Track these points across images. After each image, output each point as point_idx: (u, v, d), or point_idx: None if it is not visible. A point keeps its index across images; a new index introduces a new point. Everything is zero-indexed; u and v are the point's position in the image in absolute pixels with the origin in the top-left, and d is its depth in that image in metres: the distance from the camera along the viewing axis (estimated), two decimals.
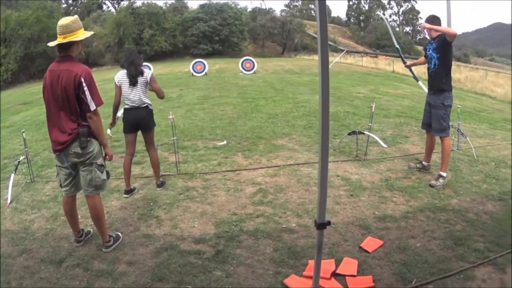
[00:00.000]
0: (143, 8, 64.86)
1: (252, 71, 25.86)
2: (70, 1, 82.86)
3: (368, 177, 5.89)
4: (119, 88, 5.25)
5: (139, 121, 5.32)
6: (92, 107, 3.69)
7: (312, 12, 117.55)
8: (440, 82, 5.69)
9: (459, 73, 31.87)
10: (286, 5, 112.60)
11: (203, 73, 25.63)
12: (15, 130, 10.45)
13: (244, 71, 25.80)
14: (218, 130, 8.88)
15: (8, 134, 10.09)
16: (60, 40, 3.65)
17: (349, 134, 7.14)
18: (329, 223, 2.79)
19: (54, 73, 3.69)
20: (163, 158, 6.90)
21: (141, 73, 5.24)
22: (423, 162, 6.26)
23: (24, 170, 6.41)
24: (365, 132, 6.85)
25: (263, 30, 75.87)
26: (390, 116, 10.48)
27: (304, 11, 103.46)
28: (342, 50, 36.48)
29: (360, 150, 6.97)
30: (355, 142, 7.09)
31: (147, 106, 5.31)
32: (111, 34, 58.05)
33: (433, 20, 5.70)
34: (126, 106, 5.29)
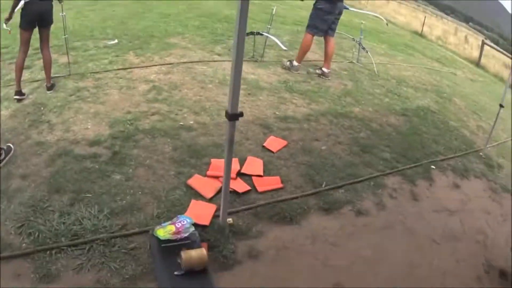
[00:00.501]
0: None
1: None
2: None
3: (265, 78, 5.87)
4: None
5: (41, 15, 4.79)
6: None
7: None
8: None
9: None
10: None
11: None
12: None
13: None
14: (109, 30, 8.16)
15: None
16: None
17: (247, 34, 6.96)
18: (241, 114, 2.67)
19: None
20: (53, 60, 6.25)
21: None
22: (323, 68, 6.43)
23: None
24: (264, 33, 6.74)
25: None
26: (286, 23, 10.43)
27: None
28: None
29: (256, 52, 6.88)
30: (253, 44, 6.95)
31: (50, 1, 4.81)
32: None
33: None
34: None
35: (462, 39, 23.64)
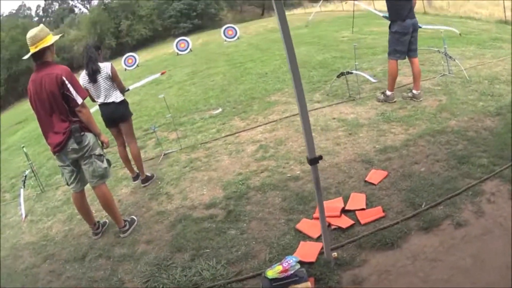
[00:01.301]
0: (114, 1, 63.84)
1: (236, 37, 25.50)
2: (40, 13, 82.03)
3: (364, 114, 5.89)
4: (85, 90, 4.93)
5: (110, 115, 5.16)
6: (79, 100, 3.79)
7: None
8: (389, 14, 6.10)
9: None
10: None
11: (188, 50, 25.36)
12: (16, 149, 10.53)
13: (227, 39, 25.44)
14: (212, 100, 8.86)
15: (9, 156, 10.19)
16: (32, 50, 3.76)
17: (338, 76, 7.09)
18: (320, 157, 2.83)
19: (36, 81, 3.79)
20: (163, 138, 6.93)
21: (98, 70, 4.96)
22: (413, 91, 6.28)
23: (32, 183, 6.49)
24: (353, 71, 6.81)
25: None
26: (377, 53, 10.40)
27: None
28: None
29: (352, 90, 6.93)
30: (346, 83, 7.04)
31: (113, 102, 5.09)
32: (89, 34, 57.42)
33: None
34: (98, 102, 5.16)
35: None
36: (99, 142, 4.08)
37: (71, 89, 3.75)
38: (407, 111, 5.75)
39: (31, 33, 3.77)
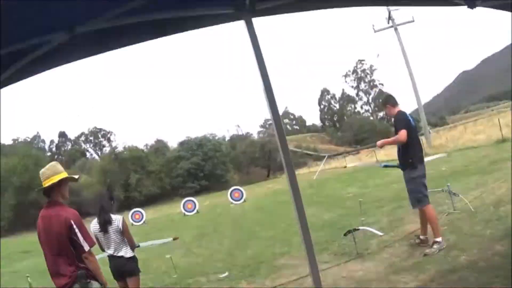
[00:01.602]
0: (125, 153, 66.61)
1: (242, 200, 26.22)
2: (54, 149, 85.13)
3: (372, 269, 5.95)
4: (96, 238, 5.02)
5: (117, 268, 5.10)
6: (86, 247, 3.80)
7: (288, 126, 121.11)
8: (403, 159, 6.21)
9: (439, 138, 32.75)
10: (262, 125, 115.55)
11: (195, 211, 25.91)
12: (20, 277, 10.34)
13: (234, 202, 26.12)
14: (219, 263, 8.92)
15: (13, 280, 10.17)
16: (43, 185, 3.91)
17: (345, 234, 7.27)
18: None
19: (45, 219, 3.88)
20: None
21: (110, 221, 5.04)
22: (421, 237, 6.38)
23: None
24: (359, 228, 7.07)
25: (245, 157, 77.34)
26: (383, 205, 10.78)
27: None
28: (324, 157, 37.87)
29: (360, 247, 7.05)
30: (353, 241, 7.15)
31: (122, 256, 5.09)
32: (98, 182, 58.67)
33: (387, 99, 6.53)
34: (107, 253, 5.17)
35: None
36: None
37: (79, 234, 3.77)
38: (415, 258, 5.81)
39: (42, 170, 3.96)
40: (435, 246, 5.82)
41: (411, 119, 6.30)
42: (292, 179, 2.81)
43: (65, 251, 3.83)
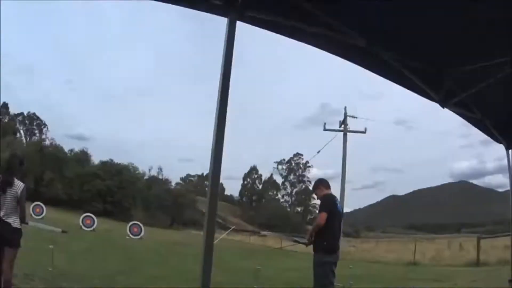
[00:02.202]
0: (50, 149, 64.36)
1: (139, 237, 25.93)
2: None
3: None
4: None
5: (0, 233, 4.88)
6: None
7: (207, 189, 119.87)
8: (316, 239, 5.87)
9: (351, 246, 33.04)
10: (182, 179, 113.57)
11: (92, 228, 25.37)
12: None
13: (131, 236, 25.77)
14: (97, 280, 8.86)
15: None
16: None
17: None
18: None
19: None
20: None
21: (11, 183, 4.91)
22: None
23: None
24: None
25: (157, 200, 76.31)
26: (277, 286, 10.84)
27: (199, 187, 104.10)
28: (229, 228, 37.82)
29: None
30: None
31: (10, 224, 4.92)
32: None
33: (321, 180, 6.35)
34: None
35: (457, 249, 23.97)
36: None
37: None
38: None
39: None
40: None
41: (337, 204, 6.12)
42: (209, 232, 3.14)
43: None
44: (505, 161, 7.22)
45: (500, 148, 7.23)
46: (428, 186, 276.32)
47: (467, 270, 16.32)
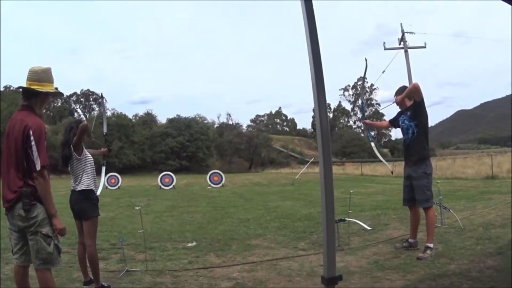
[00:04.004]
0: (113, 119, 66.03)
1: (220, 185, 25.89)
2: None
3: (354, 263, 5.61)
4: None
5: (73, 206, 4.70)
6: (38, 166, 3.30)
7: (278, 126, 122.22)
8: (421, 150, 5.76)
9: None
10: (252, 120, 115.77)
11: (171, 186, 25.51)
12: None
13: (212, 185, 25.78)
14: (188, 233, 8.49)
15: None
16: (26, 84, 3.48)
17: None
18: (340, 277, 2.34)
19: (12, 122, 3.44)
20: (129, 256, 6.39)
21: (72, 155, 4.64)
22: (410, 240, 6.13)
23: None
24: (346, 219, 6.72)
25: (230, 146, 77.41)
26: (365, 210, 10.69)
27: (270, 126, 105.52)
28: (308, 162, 37.53)
29: (341, 241, 6.74)
30: (336, 233, 6.81)
31: (79, 191, 4.63)
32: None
33: (402, 90, 5.94)
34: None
35: None
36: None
37: (34, 148, 3.28)
38: (401, 260, 5.54)
39: (34, 68, 3.52)
40: (428, 252, 5.50)
41: None
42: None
43: (17, 163, 3.37)
44: None
45: None
46: (495, 98, 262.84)
47: None
